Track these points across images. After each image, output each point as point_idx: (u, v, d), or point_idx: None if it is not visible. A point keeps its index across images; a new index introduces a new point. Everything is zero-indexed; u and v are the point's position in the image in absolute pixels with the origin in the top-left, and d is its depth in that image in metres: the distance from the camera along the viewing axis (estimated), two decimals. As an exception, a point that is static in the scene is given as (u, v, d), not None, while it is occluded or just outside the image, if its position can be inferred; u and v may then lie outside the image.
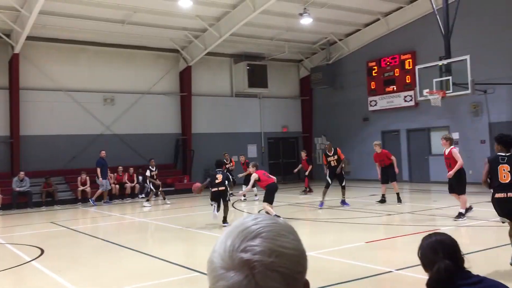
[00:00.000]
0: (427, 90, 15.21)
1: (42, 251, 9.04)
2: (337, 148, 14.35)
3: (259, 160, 24.28)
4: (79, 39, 19.57)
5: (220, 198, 11.36)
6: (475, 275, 2.41)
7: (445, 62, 14.98)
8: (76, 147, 19.39)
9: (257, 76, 23.47)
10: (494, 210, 6.69)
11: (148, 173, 16.77)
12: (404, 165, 21.07)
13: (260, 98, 24.57)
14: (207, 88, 22.99)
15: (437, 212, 12.38)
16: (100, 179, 17.30)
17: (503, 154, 6.75)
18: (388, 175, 13.80)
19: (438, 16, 15.32)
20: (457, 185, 10.62)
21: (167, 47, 21.51)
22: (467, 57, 14.54)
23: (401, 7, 20.51)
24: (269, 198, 11.16)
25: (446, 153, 10.73)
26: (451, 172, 10.50)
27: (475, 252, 7.37)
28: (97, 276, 7.32)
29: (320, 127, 25.27)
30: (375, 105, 22.08)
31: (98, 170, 17.33)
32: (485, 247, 7.71)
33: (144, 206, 16.15)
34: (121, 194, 18.39)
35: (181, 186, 20.32)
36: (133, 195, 18.81)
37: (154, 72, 21.66)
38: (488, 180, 6.77)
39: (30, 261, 8.29)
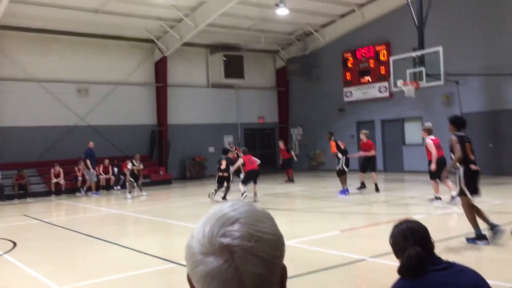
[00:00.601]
0: (401, 81, 15.42)
1: (15, 244, 8.90)
2: (332, 142, 14.22)
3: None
4: (52, 28, 19.13)
5: (224, 181, 13.74)
6: (445, 261, 2.47)
7: (418, 53, 15.19)
8: (49, 139, 19.04)
9: (234, 67, 23.39)
10: (466, 186, 7.17)
11: (129, 165, 16.40)
12: (379, 155, 21.32)
13: (237, 89, 24.52)
14: (183, 79, 22.82)
15: (410, 200, 12.61)
16: (91, 169, 17.38)
17: (464, 134, 7.41)
18: (368, 165, 14.02)
19: (412, 8, 15.50)
20: (430, 172, 11.07)
21: (142, 37, 21.23)
22: (440, 48, 14.77)
23: (376, -1, 20.68)
24: (245, 180, 13.40)
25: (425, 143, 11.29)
26: (433, 165, 10.92)
27: (446, 239, 7.55)
28: (71, 268, 7.25)
29: (296, 118, 25.39)
30: (351, 96, 22.29)
31: (88, 161, 17.36)
32: (455, 234, 7.90)
33: (127, 199, 15.77)
34: (95, 186, 18.16)
35: (157, 177, 20.21)
36: (108, 187, 18.61)
37: (129, 63, 21.37)
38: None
39: (2, 254, 8.14)
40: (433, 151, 10.94)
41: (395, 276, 2.45)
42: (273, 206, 12.66)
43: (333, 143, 14.18)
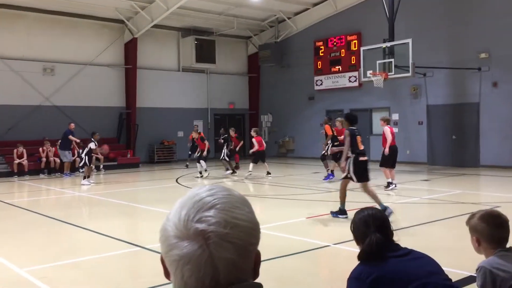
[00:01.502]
0: (371, 71, 15.63)
1: (-26, 226, 8.67)
2: (326, 125, 14.22)
3: (205, 136, 24.13)
4: (18, 4, 18.47)
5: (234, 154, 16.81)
6: (403, 248, 2.55)
7: (388, 44, 15.41)
8: (12, 118, 18.48)
9: (205, 51, 23.19)
10: (354, 173, 8.36)
11: (93, 145, 15.08)
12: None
13: (208, 73, 24.33)
14: (153, 61, 22.48)
15: (375, 189, 12.83)
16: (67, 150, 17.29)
17: (355, 128, 8.61)
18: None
19: (383, -1, 15.67)
20: (389, 159, 11.94)
21: (112, 17, 20.73)
22: (409, 40, 15.02)
23: (349, -12, 20.78)
24: (255, 160, 15.36)
25: (382, 131, 12.25)
26: (387, 149, 11.91)
27: (407, 227, 7.75)
28: (34, 251, 7.12)
29: (267, 104, 25.43)
30: (321, 84, 22.44)
31: (60, 141, 17.26)
32: (416, 223, 8.12)
33: (83, 185, 14.57)
34: (61, 168, 17.80)
35: (124, 160, 19.96)
36: (73, 169, 18.25)
37: (98, 43, 20.87)
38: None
39: (-39, 235, 7.92)
40: (389, 138, 11.84)
41: (357, 262, 2.51)
42: (240, 192, 12.68)
43: (327, 126, 14.18)
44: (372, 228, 2.52)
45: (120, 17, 20.65)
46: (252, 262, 0.91)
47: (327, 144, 14.05)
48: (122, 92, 21.65)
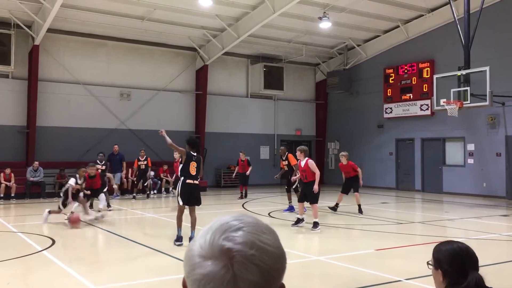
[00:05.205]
0: (444, 99, 15.08)
1: (53, 241, 9.13)
2: (289, 154, 13.91)
3: (271, 161, 24.27)
4: (99, 33, 19.75)
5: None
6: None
7: (464, 72, 14.84)
8: (90, 141, 19.54)
9: (273, 78, 23.50)
10: (180, 195, 8.75)
11: (72, 181, 11.86)
12: (417, 174, 20.94)
13: (275, 100, 24.57)
14: (222, 87, 23.06)
15: (448, 223, 12.25)
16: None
17: (194, 153, 8.93)
18: (352, 186, 13.59)
19: (458, 26, 15.18)
20: (312, 194, 10.75)
21: (185, 45, 21.61)
22: (487, 68, 14.39)
23: (422, 15, 20.36)
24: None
25: (302, 165, 10.97)
26: (316, 187, 10.62)
27: (487, 265, 7.27)
28: (106, 268, 7.38)
29: (334, 132, 25.20)
30: (391, 112, 21.96)
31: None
32: (497, 261, 7.61)
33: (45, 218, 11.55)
34: (132, 189, 18.47)
35: (192, 184, 20.38)
36: (144, 190, 18.87)
37: (171, 70, 21.77)
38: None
39: (41, 250, 8.37)
40: (317, 171, 10.79)
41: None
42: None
43: (291, 155, 13.64)
44: (469, 265, 2.38)
45: (193, 45, 21.45)
46: None
47: (292, 175, 13.33)
48: (192, 117, 22.31)
